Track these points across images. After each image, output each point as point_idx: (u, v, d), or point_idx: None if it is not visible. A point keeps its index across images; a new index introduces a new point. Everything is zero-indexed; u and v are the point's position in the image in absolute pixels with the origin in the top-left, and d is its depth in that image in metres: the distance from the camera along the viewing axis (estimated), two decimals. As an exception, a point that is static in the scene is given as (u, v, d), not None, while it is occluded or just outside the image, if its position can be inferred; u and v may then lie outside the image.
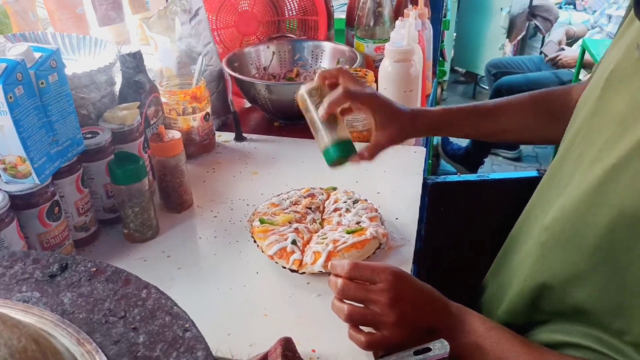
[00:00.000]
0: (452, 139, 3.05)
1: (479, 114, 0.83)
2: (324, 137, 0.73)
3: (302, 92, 0.76)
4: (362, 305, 0.60)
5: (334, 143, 0.72)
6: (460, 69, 4.24)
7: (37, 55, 0.69)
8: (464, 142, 3.02)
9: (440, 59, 2.19)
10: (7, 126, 0.65)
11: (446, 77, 3.91)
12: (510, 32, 3.75)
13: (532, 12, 3.73)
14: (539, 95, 0.83)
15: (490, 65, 3.43)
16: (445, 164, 3.09)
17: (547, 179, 0.69)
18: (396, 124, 0.77)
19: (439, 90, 3.71)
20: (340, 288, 0.60)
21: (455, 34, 3.92)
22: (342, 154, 0.72)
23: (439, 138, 3.01)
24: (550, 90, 0.84)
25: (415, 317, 0.59)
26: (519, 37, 3.85)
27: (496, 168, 3.20)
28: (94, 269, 0.47)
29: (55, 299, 0.45)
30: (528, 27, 3.87)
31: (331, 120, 0.73)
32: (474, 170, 2.96)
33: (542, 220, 0.62)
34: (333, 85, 0.75)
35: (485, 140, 0.89)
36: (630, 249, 0.50)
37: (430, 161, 2.72)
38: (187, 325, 0.41)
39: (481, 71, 3.76)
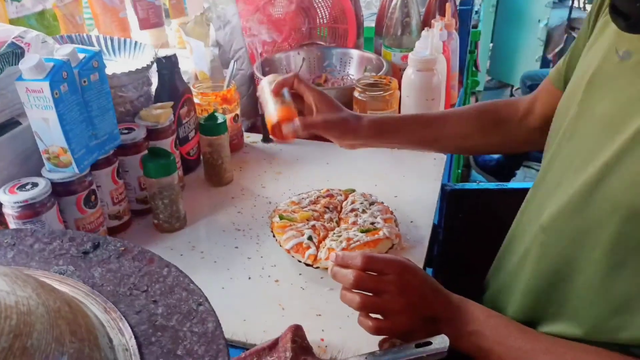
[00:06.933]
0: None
1: (422, 119, 0.89)
2: (270, 108, 0.83)
3: (264, 81, 0.88)
4: (371, 295, 0.63)
5: (276, 111, 0.82)
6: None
7: (81, 56, 0.76)
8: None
9: (474, 69, 2.19)
10: (52, 119, 0.72)
11: (480, 88, 3.88)
12: (547, 44, 3.71)
13: (571, 25, 3.68)
14: (485, 105, 0.88)
15: (526, 77, 3.40)
16: (476, 175, 3.08)
17: (537, 182, 0.71)
18: (336, 112, 0.84)
19: (472, 100, 3.70)
20: (354, 280, 0.62)
21: (491, 45, 3.90)
22: (280, 118, 0.81)
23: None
24: (496, 101, 0.90)
25: (420, 305, 0.63)
26: (557, 50, 3.81)
27: (529, 180, 3.17)
28: (123, 249, 0.53)
29: (87, 272, 0.50)
30: (566, 40, 3.82)
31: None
32: (505, 181, 2.94)
33: (536, 222, 0.65)
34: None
35: (430, 147, 0.94)
36: (630, 240, 0.52)
37: (460, 171, 2.72)
38: (201, 301, 0.46)
39: (516, 82, 3.73)
